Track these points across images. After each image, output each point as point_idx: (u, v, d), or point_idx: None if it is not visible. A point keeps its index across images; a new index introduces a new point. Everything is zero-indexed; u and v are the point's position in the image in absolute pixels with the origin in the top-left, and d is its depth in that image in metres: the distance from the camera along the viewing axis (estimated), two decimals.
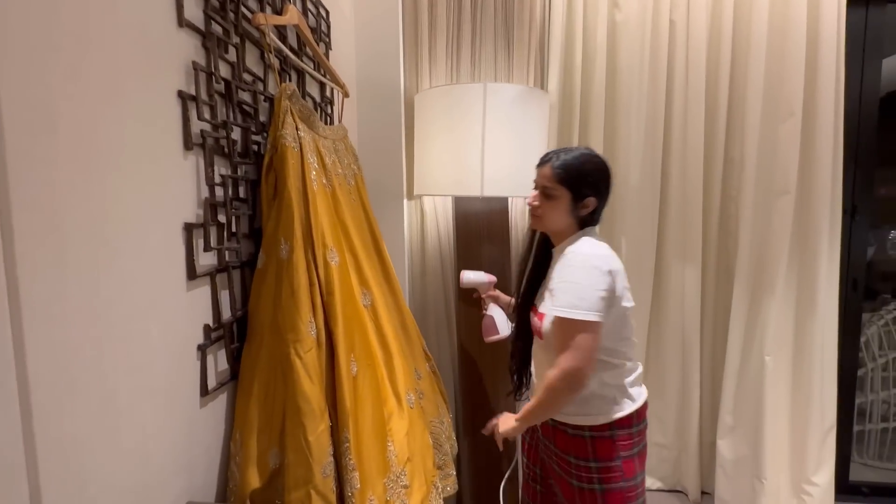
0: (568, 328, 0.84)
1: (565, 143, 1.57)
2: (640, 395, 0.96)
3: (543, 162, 0.97)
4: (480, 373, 1.49)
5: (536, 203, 0.97)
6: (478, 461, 1.50)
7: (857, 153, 1.65)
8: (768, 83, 1.48)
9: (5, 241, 0.42)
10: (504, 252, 1.49)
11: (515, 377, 1.08)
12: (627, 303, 0.91)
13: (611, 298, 0.87)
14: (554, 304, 0.87)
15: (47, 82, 0.46)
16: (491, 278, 1.26)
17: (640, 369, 0.98)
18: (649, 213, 1.57)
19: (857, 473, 1.87)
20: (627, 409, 0.92)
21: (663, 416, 1.67)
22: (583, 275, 0.86)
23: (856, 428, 1.84)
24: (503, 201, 1.48)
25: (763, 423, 1.53)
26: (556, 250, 0.98)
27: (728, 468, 1.60)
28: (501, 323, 1.22)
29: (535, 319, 0.98)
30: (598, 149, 1.55)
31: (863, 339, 2.02)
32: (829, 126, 1.46)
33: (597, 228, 0.99)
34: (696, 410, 1.61)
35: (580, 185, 0.92)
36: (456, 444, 1.18)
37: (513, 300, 1.21)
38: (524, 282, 1.05)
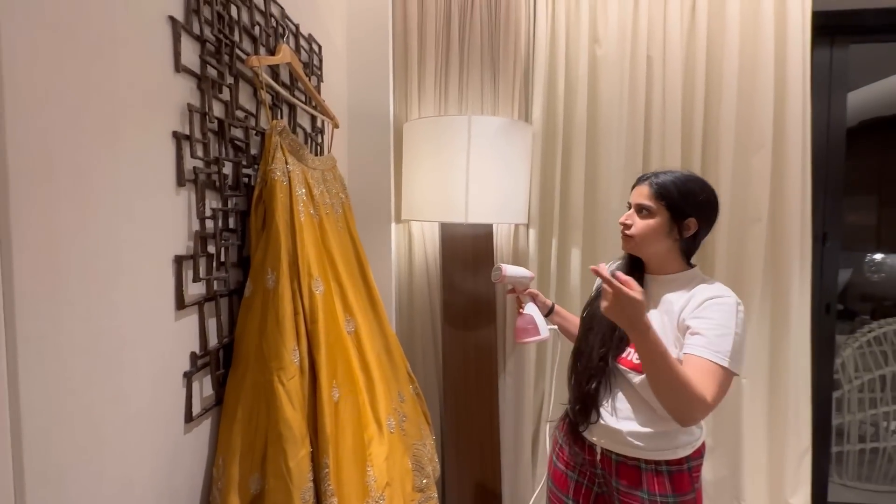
0: (715, 373, 0.79)
1: (549, 171, 1.63)
2: (703, 423, 0.94)
3: (641, 181, 0.94)
4: (466, 394, 1.51)
5: (629, 221, 0.93)
6: (462, 482, 1.51)
7: (827, 182, 1.73)
8: (740, 117, 1.56)
9: (5, 279, 0.45)
10: (489, 275, 1.53)
11: (579, 408, 0.98)
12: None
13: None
14: (706, 346, 0.81)
15: (49, 131, 0.50)
16: (531, 274, 1.19)
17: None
18: None
19: (837, 494, 1.91)
20: (699, 439, 0.93)
21: None
22: (740, 327, 0.83)
23: (834, 449, 1.88)
24: (488, 227, 1.53)
25: (741, 445, 1.57)
26: (661, 279, 0.93)
27: (709, 490, 1.62)
28: (541, 324, 1.13)
29: (631, 363, 0.91)
30: (580, 175, 1.62)
31: (839, 361, 2.08)
32: (798, 157, 1.53)
33: (697, 268, 0.94)
34: None
35: (681, 203, 0.88)
36: (439, 467, 1.19)
37: (549, 302, 1.20)
38: (610, 326, 0.93)
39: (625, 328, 0.81)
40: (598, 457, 0.97)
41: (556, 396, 1.64)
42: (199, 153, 0.74)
